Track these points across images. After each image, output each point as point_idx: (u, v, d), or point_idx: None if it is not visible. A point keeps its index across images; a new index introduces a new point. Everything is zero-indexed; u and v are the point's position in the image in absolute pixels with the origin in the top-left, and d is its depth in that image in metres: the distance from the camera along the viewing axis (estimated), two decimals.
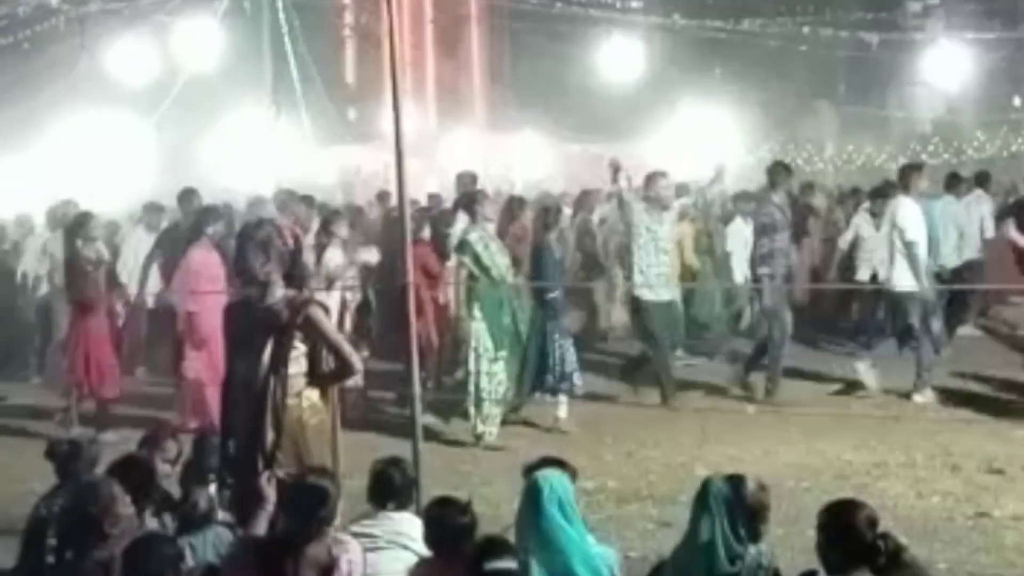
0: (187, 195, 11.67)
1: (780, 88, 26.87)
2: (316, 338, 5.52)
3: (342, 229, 10.10)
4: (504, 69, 31.97)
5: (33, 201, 16.42)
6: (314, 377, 5.54)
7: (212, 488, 5.90)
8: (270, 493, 4.89)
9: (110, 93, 22.93)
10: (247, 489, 5.13)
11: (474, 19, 30.35)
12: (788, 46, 25.76)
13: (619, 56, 25.21)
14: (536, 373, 9.50)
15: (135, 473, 5.24)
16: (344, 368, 5.62)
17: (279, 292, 5.45)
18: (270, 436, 5.34)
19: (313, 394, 5.54)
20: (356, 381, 8.10)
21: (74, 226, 10.28)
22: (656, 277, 10.00)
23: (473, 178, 12.13)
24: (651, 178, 10.35)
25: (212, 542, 5.42)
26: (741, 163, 25.34)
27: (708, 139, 23.70)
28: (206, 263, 9.64)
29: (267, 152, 21.43)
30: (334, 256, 9.81)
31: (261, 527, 4.72)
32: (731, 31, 24.97)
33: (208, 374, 9.06)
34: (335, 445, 5.81)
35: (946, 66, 23.85)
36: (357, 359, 5.70)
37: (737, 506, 4.45)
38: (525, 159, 23.38)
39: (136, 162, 21.43)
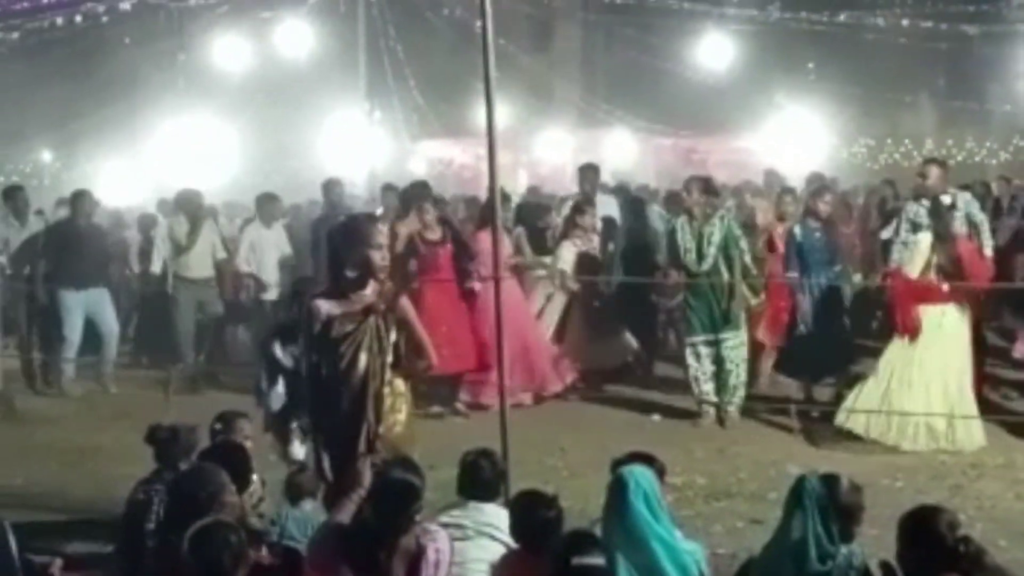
0: (332, 185, 11.90)
1: (877, 82, 26.37)
2: (404, 328, 5.59)
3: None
4: (596, 62, 31.87)
5: (135, 193, 16.83)
6: (399, 366, 5.60)
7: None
8: (367, 478, 4.94)
9: (209, 88, 23.39)
10: (343, 471, 5.17)
11: (567, 13, 30.31)
12: (886, 39, 25.29)
13: (712, 49, 25.00)
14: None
15: (233, 459, 5.32)
16: (421, 361, 5.69)
17: (372, 283, 5.53)
18: (371, 422, 5.40)
19: (400, 383, 5.60)
20: None
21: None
22: None
23: (596, 170, 11.92)
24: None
25: (300, 520, 5.51)
26: (835, 158, 25.01)
27: (802, 134, 23.42)
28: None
29: (361, 146, 21.68)
30: None
31: (349, 511, 4.75)
32: (827, 24, 24.57)
33: None
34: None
35: None
36: (433, 352, 5.75)
37: (830, 505, 4.40)
38: (616, 152, 23.31)
39: (231, 156, 21.83)
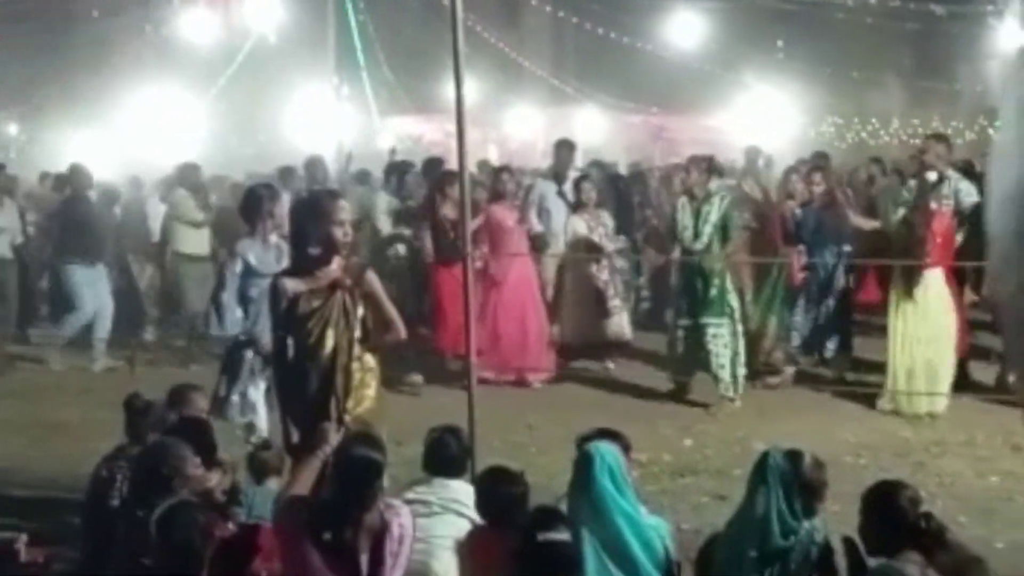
0: (315, 163, 11.99)
1: (846, 61, 26.47)
2: (373, 303, 5.58)
3: None
4: (566, 39, 31.80)
5: (103, 166, 16.62)
6: (368, 341, 5.61)
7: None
8: (333, 438, 4.93)
9: (176, 61, 23.18)
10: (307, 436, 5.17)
11: None
12: (855, 18, 25.37)
13: (682, 27, 25.01)
14: None
15: (197, 433, 5.30)
16: (389, 334, 5.68)
17: (337, 259, 5.52)
18: (339, 398, 5.42)
19: (370, 359, 5.60)
20: None
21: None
22: None
23: (571, 147, 11.68)
24: None
25: (266, 497, 5.51)
26: (803, 137, 25.11)
27: (771, 113, 23.50)
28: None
29: (329, 121, 21.57)
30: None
31: (307, 479, 4.74)
32: (797, 2, 24.63)
33: None
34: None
35: (1018, 38, 23.34)
36: (402, 326, 5.76)
37: (794, 481, 4.45)
38: (585, 129, 23.29)
39: (198, 130, 21.68)
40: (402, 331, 5.74)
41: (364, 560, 4.41)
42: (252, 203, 7.41)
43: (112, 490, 5.44)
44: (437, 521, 5.20)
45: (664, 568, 4.53)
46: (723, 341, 9.27)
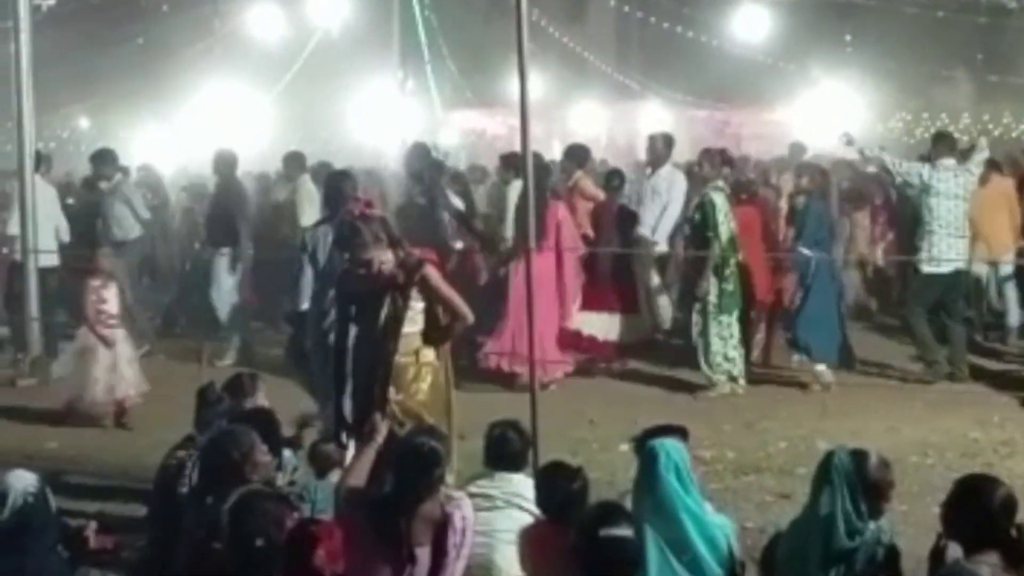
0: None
1: (914, 55, 26.09)
2: (432, 296, 5.63)
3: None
4: (631, 33, 31.69)
5: (170, 160, 16.88)
6: (430, 335, 5.65)
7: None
8: (383, 430, 4.97)
9: (243, 56, 23.43)
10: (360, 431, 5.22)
11: None
12: (924, 12, 25.00)
13: (748, 21, 24.80)
14: None
15: (262, 423, 5.37)
16: (456, 322, 5.71)
17: (388, 258, 5.57)
18: (385, 392, 5.47)
19: (429, 352, 5.65)
20: None
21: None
22: None
23: (669, 142, 11.17)
24: None
25: (329, 491, 5.55)
26: (871, 132, 24.80)
27: (837, 108, 23.23)
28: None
29: (393, 115, 21.68)
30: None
31: (363, 470, 4.78)
32: None
33: None
34: (449, 403, 5.92)
35: None
36: (469, 312, 5.78)
37: (859, 481, 4.39)
38: (649, 124, 23.19)
39: (264, 125, 21.89)
40: (469, 316, 5.76)
41: (425, 552, 4.44)
42: (333, 189, 7.50)
43: (180, 479, 5.52)
44: (499, 515, 5.21)
45: (728, 566, 4.50)
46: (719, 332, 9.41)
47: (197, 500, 4.97)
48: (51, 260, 10.83)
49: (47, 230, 10.78)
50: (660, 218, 10.57)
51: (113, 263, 9.39)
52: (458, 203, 11.23)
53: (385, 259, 5.55)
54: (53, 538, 5.07)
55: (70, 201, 12.74)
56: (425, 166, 10.30)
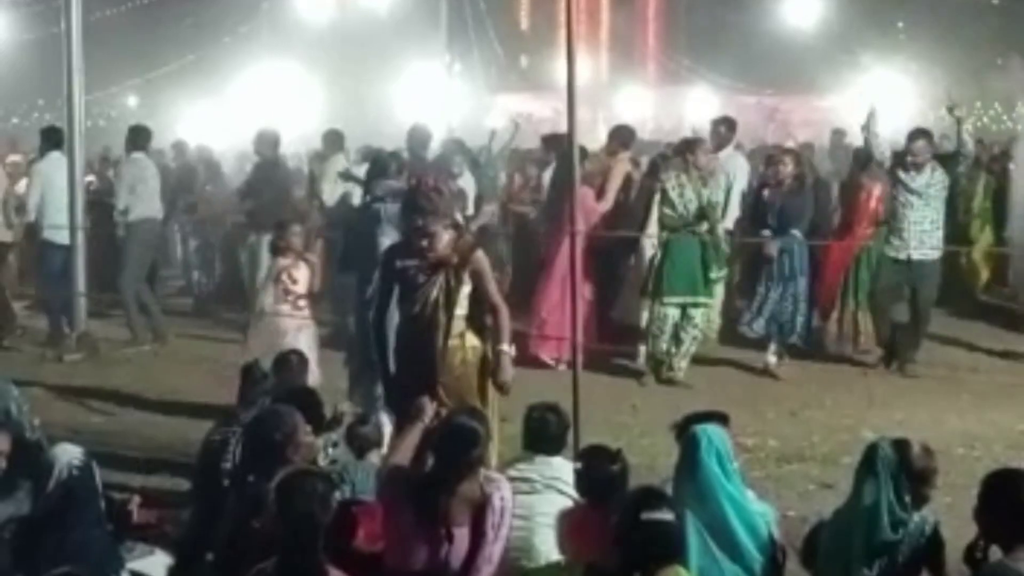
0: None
1: (967, 42, 25.75)
2: (478, 284, 5.64)
3: None
4: (679, 18, 31.50)
5: (217, 139, 16.96)
6: (474, 320, 5.65)
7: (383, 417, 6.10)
8: (429, 411, 4.98)
9: (291, 37, 23.54)
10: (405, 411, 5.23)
11: None
12: None
13: (799, 7, 24.57)
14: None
15: (305, 403, 5.38)
16: (497, 319, 5.73)
17: (446, 237, 5.57)
18: (435, 373, 5.48)
19: (473, 336, 5.66)
20: None
21: None
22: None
23: (731, 124, 11.21)
24: None
25: (368, 472, 5.57)
26: (921, 121, 24.50)
27: (889, 96, 22.96)
28: None
29: (439, 98, 21.70)
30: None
31: (407, 448, 4.78)
32: None
33: None
34: (490, 387, 5.92)
35: None
36: (504, 307, 5.80)
37: (903, 472, 4.34)
38: (697, 109, 23.09)
39: (311, 105, 21.99)
40: (504, 316, 5.78)
41: (464, 532, 4.44)
42: (378, 169, 7.51)
43: (224, 455, 5.56)
44: (539, 499, 5.19)
45: (769, 554, 4.48)
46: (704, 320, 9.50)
47: (239, 478, 5.00)
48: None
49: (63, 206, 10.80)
50: (727, 201, 10.47)
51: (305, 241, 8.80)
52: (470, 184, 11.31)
53: (446, 236, 5.58)
54: (97, 512, 5.12)
55: (90, 179, 12.84)
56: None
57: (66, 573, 4.00)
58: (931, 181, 9.43)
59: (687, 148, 9.73)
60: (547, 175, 11.05)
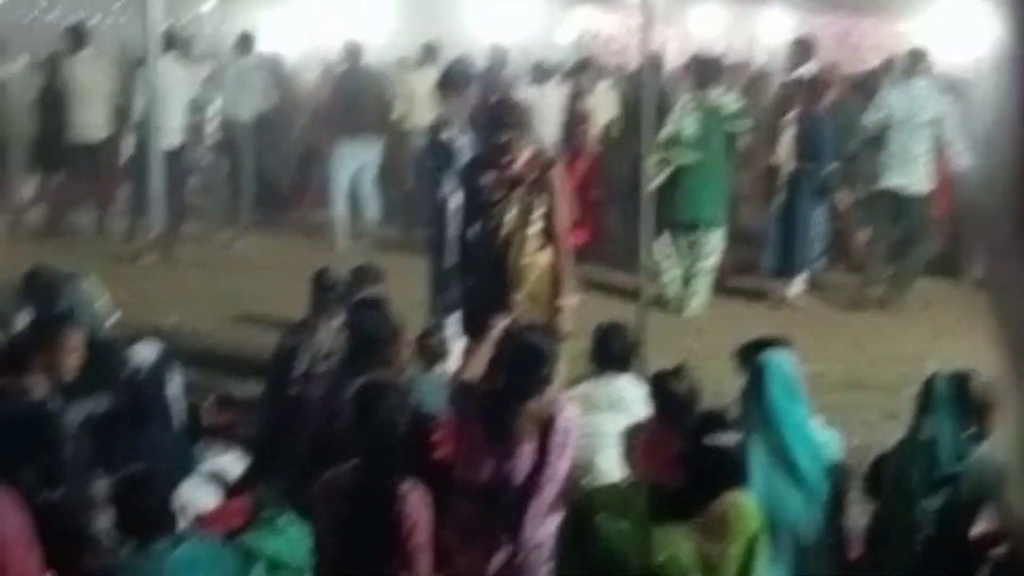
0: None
1: None
2: (551, 202, 5.65)
3: None
4: None
5: (293, 45, 16.88)
6: (548, 238, 5.68)
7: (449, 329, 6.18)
8: (501, 327, 5.04)
9: None
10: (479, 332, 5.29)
11: None
12: None
13: None
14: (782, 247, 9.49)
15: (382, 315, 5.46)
16: (557, 243, 5.76)
17: (527, 153, 5.58)
18: (509, 290, 5.55)
19: (547, 253, 5.69)
20: None
21: None
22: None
23: (806, 48, 10.63)
24: None
25: (433, 385, 5.66)
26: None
27: (970, 20, 22.33)
28: None
29: (510, 11, 21.45)
30: None
31: (478, 366, 4.85)
32: None
33: None
34: (562, 305, 5.96)
35: None
36: (568, 249, 5.82)
37: (964, 405, 4.32)
38: (768, 31, 22.63)
39: (381, 13, 21.82)
40: (566, 256, 5.79)
41: (529, 449, 4.51)
42: (452, 79, 7.51)
43: (295, 362, 5.67)
44: (603, 418, 5.25)
45: (832, 482, 4.51)
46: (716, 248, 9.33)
47: (332, 377, 5.11)
48: (174, 140, 11.03)
49: (174, 112, 10.90)
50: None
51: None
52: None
53: (527, 152, 5.59)
54: (171, 411, 5.26)
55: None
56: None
57: (140, 469, 4.12)
58: None
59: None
60: None
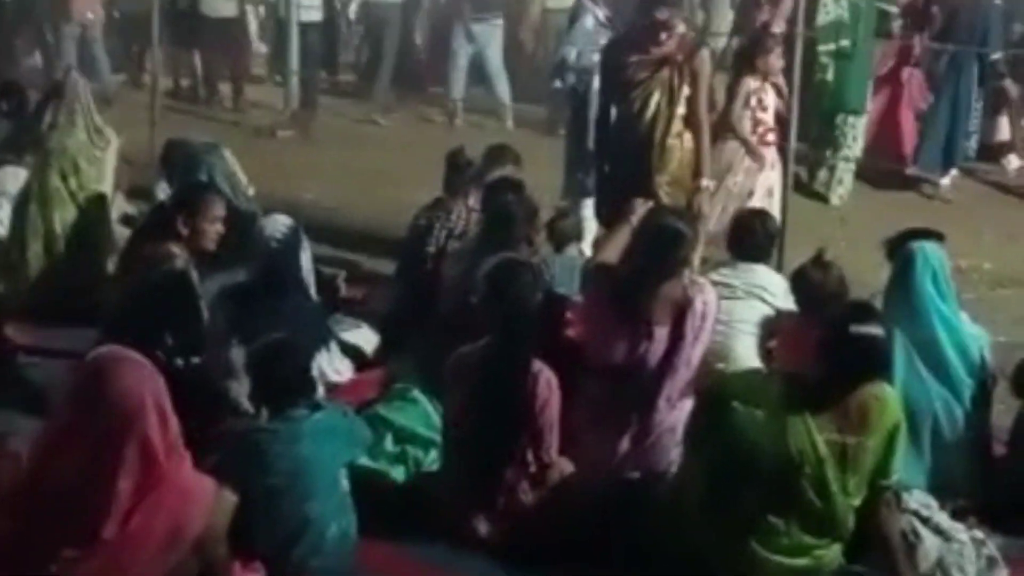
0: None
1: None
2: (695, 85, 5.52)
3: None
4: None
5: None
6: (691, 122, 5.57)
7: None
8: (642, 210, 4.94)
9: None
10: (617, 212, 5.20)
11: None
12: None
13: None
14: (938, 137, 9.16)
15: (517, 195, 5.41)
16: (698, 138, 5.65)
17: (678, 32, 5.44)
18: (652, 171, 5.42)
19: (690, 137, 5.57)
20: None
21: None
22: None
23: None
24: None
25: (566, 265, 5.61)
26: None
27: None
28: None
29: None
30: None
31: (616, 248, 4.78)
32: None
33: None
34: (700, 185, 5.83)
35: None
36: (707, 132, 5.68)
37: None
38: None
39: None
40: (705, 138, 5.65)
41: (664, 332, 4.43)
42: None
43: (428, 239, 5.68)
44: (740, 305, 5.16)
45: (978, 378, 4.39)
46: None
47: (463, 257, 5.12)
48: (313, 16, 11.01)
49: None
50: None
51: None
52: None
53: (678, 30, 5.46)
54: (306, 283, 5.31)
55: None
56: None
57: (278, 339, 4.16)
58: None
59: None
60: None
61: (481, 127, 10.75)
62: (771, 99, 7.18)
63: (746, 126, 7.05)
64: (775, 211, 6.18)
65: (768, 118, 7.15)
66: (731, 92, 7.21)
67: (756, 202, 6.70)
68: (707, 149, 5.73)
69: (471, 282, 4.63)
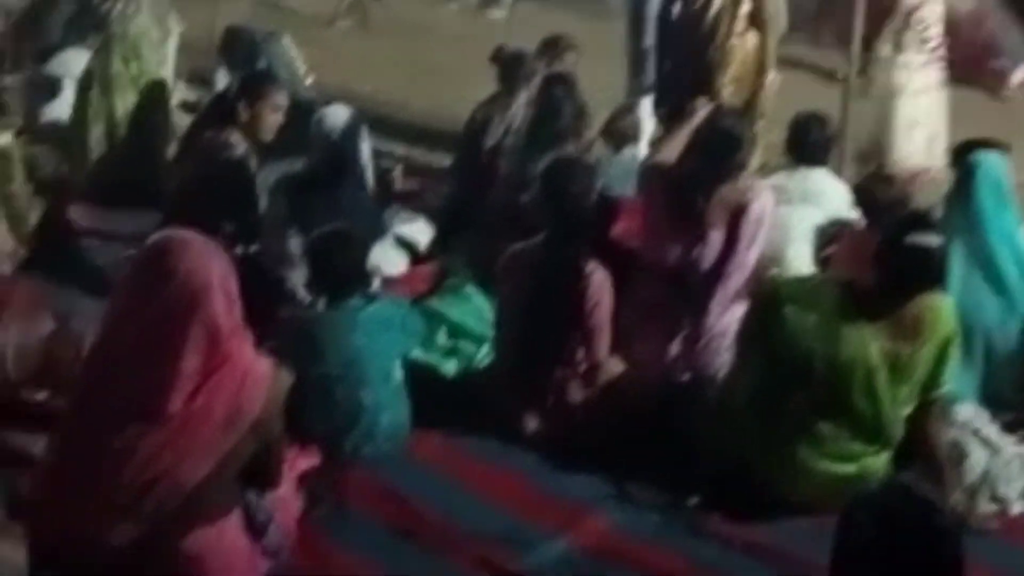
0: None
1: None
2: None
3: None
4: None
5: None
6: (755, 20, 5.52)
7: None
8: (702, 110, 4.90)
9: None
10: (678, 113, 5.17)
11: None
12: None
13: None
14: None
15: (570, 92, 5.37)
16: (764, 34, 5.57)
17: None
18: (714, 68, 5.40)
19: (752, 37, 5.50)
20: None
21: None
22: None
23: None
24: None
25: (621, 166, 5.58)
26: None
27: None
28: None
29: None
30: None
31: (674, 148, 4.75)
32: None
33: None
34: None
35: None
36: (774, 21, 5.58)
37: None
38: None
39: None
40: (771, 27, 5.55)
41: (718, 235, 4.43)
42: None
43: (486, 134, 5.66)
44: (795, 210, 5.11)
45: None
46: None
47: (519, 153, 5.11)
48: None
49: None
50: None
51: None
52: None
53: None
54: (363, 174, 5.33)
55: None
56: None
57: (336, 229, 4.20)
58: None
59: None
60: None
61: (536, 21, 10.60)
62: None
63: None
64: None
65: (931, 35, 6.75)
66: None
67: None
68: (773, 46, 5.65)
69: (520, 178, 4.63)
